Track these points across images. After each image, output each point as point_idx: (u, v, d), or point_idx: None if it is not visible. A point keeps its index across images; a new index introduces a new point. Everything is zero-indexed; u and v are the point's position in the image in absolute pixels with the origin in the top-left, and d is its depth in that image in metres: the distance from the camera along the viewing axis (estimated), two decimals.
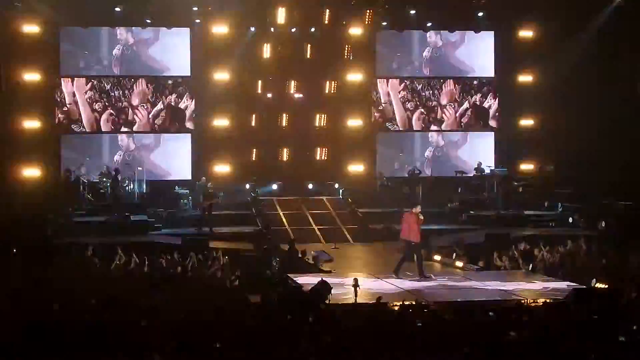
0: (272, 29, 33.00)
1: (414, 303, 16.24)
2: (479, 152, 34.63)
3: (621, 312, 15.01)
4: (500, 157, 34.50)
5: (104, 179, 30.79)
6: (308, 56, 33.39)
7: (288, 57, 33.26)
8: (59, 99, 32.36)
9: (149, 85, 33.12)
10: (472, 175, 33.53)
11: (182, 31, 32.94)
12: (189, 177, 32.68)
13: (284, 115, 33.60)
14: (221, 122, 32.69)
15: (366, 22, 33.28)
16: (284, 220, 30.17)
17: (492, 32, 34.55)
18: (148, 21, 32.52)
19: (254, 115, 33.45)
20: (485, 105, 35.11)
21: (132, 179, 31.34)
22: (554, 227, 29.31)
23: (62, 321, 13.74)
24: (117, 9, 31.78)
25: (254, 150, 33.42)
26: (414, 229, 21.79)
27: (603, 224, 27.49)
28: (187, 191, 31.27)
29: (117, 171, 30.76)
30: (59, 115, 32.40)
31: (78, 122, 32.65)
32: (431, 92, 34.85)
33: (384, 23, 33.88)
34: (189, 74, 33.18)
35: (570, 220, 29.61)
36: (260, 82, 33.31)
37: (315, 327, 13.51)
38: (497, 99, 35.03)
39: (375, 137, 34.52)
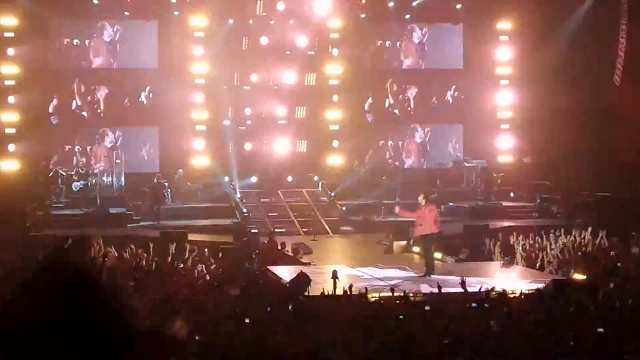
0: (250, 21, 32.94)
1: (393, 294, 16.28)
2: (458, 143, 34.66)
3: (599, 303, 15.07)
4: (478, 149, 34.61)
5: (81, 172, 30.70)
6: (288, 48, 33.35)
7: (267, 48, 33.21)
8: (38, 92, 32.15)
9: (126, 77, 32.97)
10: (450, 167, 33.61)
11: (159, 23, 32.80)
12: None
13: (265, 106, 33.63)
14: (200, 114, 32.62)
15: (346, 13, 33.31)
16: (263, 212, 30.16)
17: (469, 24, 34.56)
18: (126, 14, 32.38)
19: (230, 108, 33.42)
20: (467, 97, 35.16)
21: (110, 171, 31.25)
22: (533, 218, 29.42)
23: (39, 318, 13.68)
24: (95, 2, 31.69)
25: (233, 142, 33.35)
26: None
27: (580, 215, 27.63)
28: (167, 183, 31.20)
29: (90, 166, 30.91)
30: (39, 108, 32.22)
31: (57, 114, 32.47)
32: (414, 83, 34.84)
33: (363, 15, 33.87)
34: (167, 66, 33.06)
35: (551, 211, 29.74)
36: (237, 73, 33.24)
37: (294, 318, 13.53)
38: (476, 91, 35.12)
39: (356, 128, 34.46)
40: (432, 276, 20.51)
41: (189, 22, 32.20)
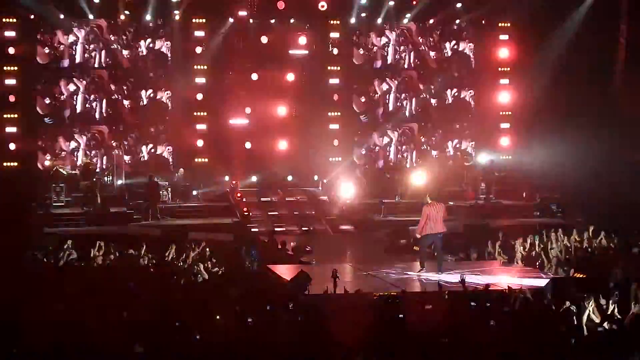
0: (250, 20, 32.95)
1: (393, 293, 16.33)
2: (459, 143, 34.65)
3: (599, 303, 15.09)
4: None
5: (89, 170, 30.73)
6: (288, 47, 33.36)
7: (267, 47, 33.19)
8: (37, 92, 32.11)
9: (129, 78, 32.94)
10: (450, 165, 33.62)
11: (160, 23, 32.81)
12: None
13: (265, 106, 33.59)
14: (200, 113, 32.64)
15: (347, 13, 33.42)
16: (263, 211, 30.19)
17: (469, 24, 34.56)
18: (127, 12, 32.33)
19: (233, 107, 33.38)
20: (467, 97, 35.14)
21: (111, 171, 31.32)
22: (533, 218, 29.45)
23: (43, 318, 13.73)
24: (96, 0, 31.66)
25: (233, 142, 33.31)
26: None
27: (580, 215, 27.66)
28: (167, 183, 31.23)
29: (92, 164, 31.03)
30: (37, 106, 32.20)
31: (57, 113, 32.41)
32: (413, 83, 34.84)
33: (364, 14, 33.90)
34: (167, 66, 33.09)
35: (551, 210, 29.77)
36: (237, 73, 33.23)
37: (294, 316, 13.57)
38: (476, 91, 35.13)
39: (356, 127, 34.48)
40: (432, 275, 20.54)
41: (189, 21, 32.20)
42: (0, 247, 21.12)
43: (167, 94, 33.04)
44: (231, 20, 32.78)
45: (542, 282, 18.54)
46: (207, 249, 21.90)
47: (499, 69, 34.50)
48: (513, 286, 18.62)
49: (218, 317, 13.50)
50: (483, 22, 34.44)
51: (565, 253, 21.76)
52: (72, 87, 32.42)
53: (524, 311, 14.31)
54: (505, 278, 20.11)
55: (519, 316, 13.88)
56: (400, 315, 13.83)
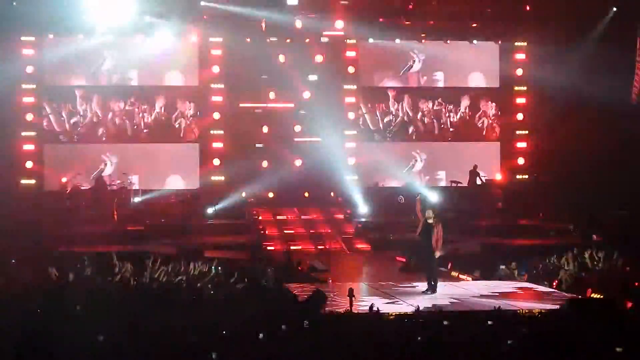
0: (267, 40, 33.00)
1: (409, 313, 16.28)
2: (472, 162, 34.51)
3: (616, 322, 15.02)
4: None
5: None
6: (304, 66, 33.43)
7: (284, 66, 33.28)
8: (47, 110, 32.25)
9: (139, 95, 33.06)
10: (467, 185, 33.55)
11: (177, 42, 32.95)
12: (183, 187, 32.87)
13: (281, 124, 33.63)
14: (216, 131, 32.77)
15: (363, 32, 33.48)
16: (279, 229, 30.15)
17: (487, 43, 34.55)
18: (144, 32, 32.44)
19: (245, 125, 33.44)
20: (476, 117, 35.09)
21: (128, 188, 31.49)
22: (550, 237, 29.31)
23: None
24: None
25: (250, 160, 33.34)
26: None
27: (596, 234, 27.52)
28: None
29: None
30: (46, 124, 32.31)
31: (68, 132, 32.53)
32: (429, 100, 34.84)
33: (380, 34, 33.94)
34: (181, 84, 33.21)
35: (567, 230, 29.66)
36: (254, 91, 33.33)
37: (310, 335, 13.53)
38: (494, 110, 35.07)
39: (373, 145, 34.47)
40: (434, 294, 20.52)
41: (206, 40, 32.35)
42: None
43: (183, 112, 33.14)
44: (248, 40, 32.86)
45: (558, 303, 18.43)
46: (221, 268, 21.86)
47: (515, 88, 34.49)
48: (529, 306, 18.57)
49: (224, 332, 13.48)
50: (500, 42, 34.46)
51: (582, 273, 21.65)
52: (87, 105, 32.52)
53: (541, 331, 14.21)
54: (521, 298, 20.03)
55: (536, 336, 13.78)
56: (419, 338, 13.77)
